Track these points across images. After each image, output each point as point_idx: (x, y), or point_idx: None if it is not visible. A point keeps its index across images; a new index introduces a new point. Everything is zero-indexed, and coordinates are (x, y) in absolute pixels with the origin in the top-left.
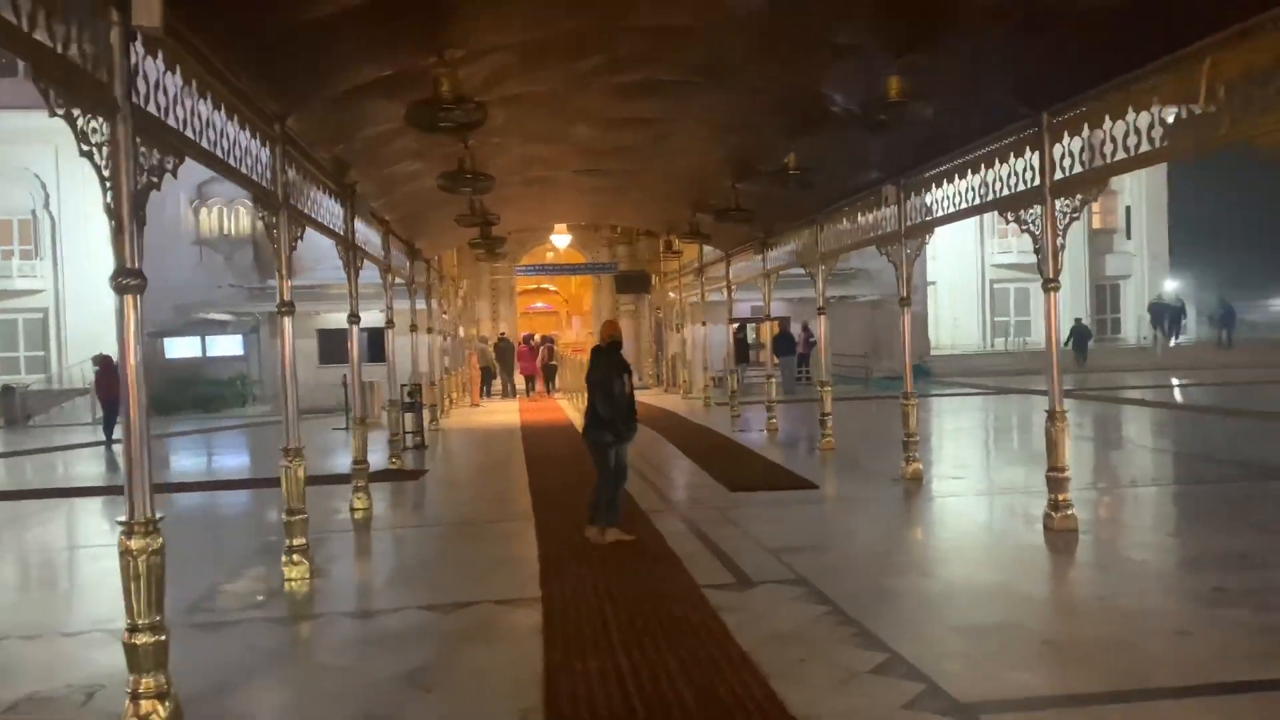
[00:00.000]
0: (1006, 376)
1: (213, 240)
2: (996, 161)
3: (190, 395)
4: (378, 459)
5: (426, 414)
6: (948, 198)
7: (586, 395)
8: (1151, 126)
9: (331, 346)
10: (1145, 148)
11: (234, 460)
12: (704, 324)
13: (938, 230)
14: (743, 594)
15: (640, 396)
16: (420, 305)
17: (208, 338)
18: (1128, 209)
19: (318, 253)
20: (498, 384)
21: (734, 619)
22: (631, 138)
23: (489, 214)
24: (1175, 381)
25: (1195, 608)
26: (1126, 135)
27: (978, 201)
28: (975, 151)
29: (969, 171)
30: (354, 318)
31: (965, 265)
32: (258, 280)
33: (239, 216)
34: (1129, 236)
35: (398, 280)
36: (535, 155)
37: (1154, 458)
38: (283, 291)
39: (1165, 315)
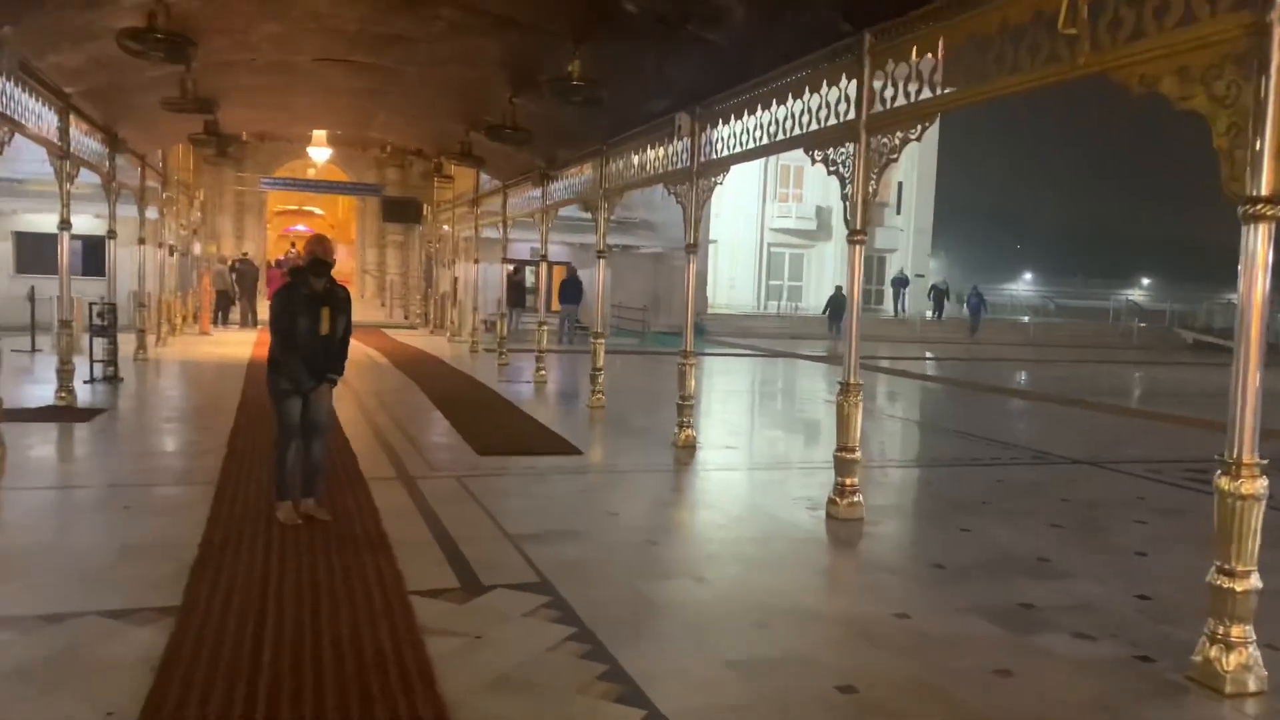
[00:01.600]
0: (778, 339)
1: None
2: (806, 90)
3: None
4: (45, 392)
5: (133, 340)
6: (748, 131)
7: None
8: (996, 54)
9: (31, 253)
10: (986, 80)
11: None
12: (476, 262)
13: (720, 189)
14: (466, 605)
15: (405, 338)
16: (130, 212)
17: None
18: (900, 184)
19: (20, 142)
20: (238, 312)
21: (446, 647)
22: (386, 22)
23: (206, 99)
24: (929, 355)
25: (1008, 634)
26: (962, 63)
27: (782, 136)
28: (784, 78)
29: (774, 101)
30: None
31: (745, 226)
32: None
33: None
34: (899, 212)
35: (86, 175)
36: (264, 32)
37: (920, 433)
38: None
39: (905, 289)
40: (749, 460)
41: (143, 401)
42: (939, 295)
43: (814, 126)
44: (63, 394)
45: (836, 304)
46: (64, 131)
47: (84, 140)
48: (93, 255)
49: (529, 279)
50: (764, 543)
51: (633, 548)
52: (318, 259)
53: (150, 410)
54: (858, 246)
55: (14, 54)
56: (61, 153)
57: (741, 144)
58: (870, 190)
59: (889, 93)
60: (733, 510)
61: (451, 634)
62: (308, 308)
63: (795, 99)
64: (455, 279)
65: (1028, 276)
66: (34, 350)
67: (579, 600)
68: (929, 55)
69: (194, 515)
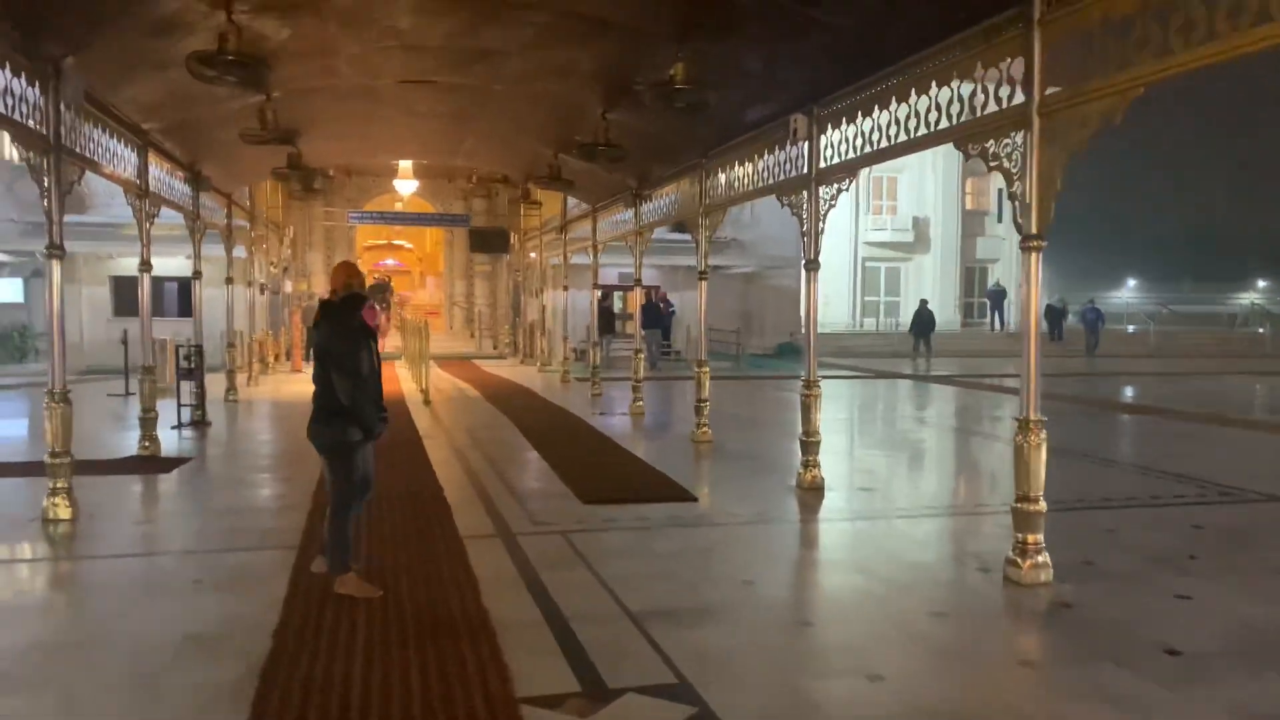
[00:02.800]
0: (877, 358)
1: None
2: (955, 75)
3: None
4: (131, 440)
5: (223, 381)
6: (879, 129)
7: (314, 376)
8: (1229, 6)
9: (127, 296)
10: (1216, 39)
11: None
12: (565, 289)
13: None
14: (590, 719)
15: (495, 369)
16: (218, 251)
17: None
18: (999, 191)
19: (112, 186)
20: None
21: None
22: (472, 35)
23: (287, 130)
24: (1051, 372)
25: None
26: (1175, 21)
27: (924, 131)
28: (925, 64)
29: (912, 91)
30: (55, 250)
31: (837, 241)
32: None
33: None
34: (1000, 219)
35: (177, 216)
36: (344, 54)
37: (1073, 464)
38: None
39: (1004, 300)
40: (886, 505)
41: (228, 448)
42: (1055, 316)
43: (967, 116)
44: (146, 443)
45: (923, 319)
46: (143, 169)
47: (165, 178)
48: (186, 296)
49: (617, 304)
50: (938, 620)
51: (782, 629)
52: (354, 294)
53: (235, 458)
54: (1034, 255)
55: (78, 86)
56: (140, 191)
57: (872, 143)
58: (1048, 187)
59: (1070, 71)
60: (888, 573)
61: None
62: (367, 344)
63: (940, 86)
64: (544, 307)
65: (1131, 283)
66: (127, 394)
67: (731, 711)
68: (1125, 17)
69: (270, 590)
